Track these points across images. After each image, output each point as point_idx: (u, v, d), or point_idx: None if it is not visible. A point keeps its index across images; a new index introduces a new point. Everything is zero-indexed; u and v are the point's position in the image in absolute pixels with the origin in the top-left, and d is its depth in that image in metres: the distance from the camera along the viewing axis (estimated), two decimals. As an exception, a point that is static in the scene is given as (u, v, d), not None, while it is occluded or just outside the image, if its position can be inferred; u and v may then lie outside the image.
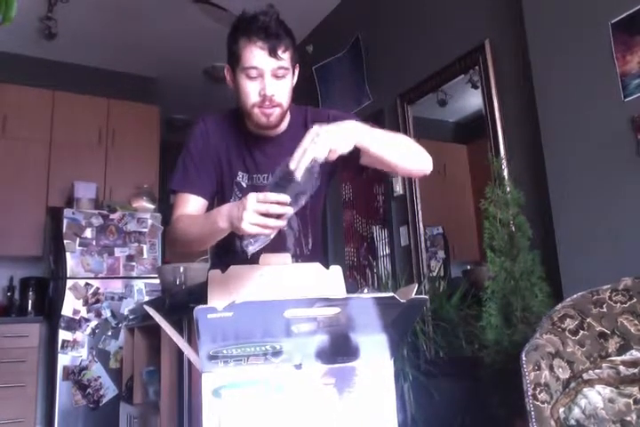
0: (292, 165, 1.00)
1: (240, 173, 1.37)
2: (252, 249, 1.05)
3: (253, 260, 1.20)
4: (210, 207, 1.34)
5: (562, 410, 1.39)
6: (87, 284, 3.52)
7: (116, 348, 3.47)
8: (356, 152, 1.17)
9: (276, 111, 1.28)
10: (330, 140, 1.03)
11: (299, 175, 1.00)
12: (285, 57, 1.25)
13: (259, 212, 0.97)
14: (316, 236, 1.46)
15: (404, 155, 1.22)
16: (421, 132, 3.02)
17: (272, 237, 1.05)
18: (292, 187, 1.00)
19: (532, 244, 2.03)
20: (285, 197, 0.98)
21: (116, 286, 3.61)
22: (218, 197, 1.40)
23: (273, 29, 1.22)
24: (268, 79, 1.23)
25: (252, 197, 0.97)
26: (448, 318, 2.42)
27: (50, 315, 3.67)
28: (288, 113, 1.36)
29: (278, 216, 0.99)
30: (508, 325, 1.93)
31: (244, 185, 1.37)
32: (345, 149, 1.06)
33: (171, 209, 1.34)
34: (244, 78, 1.25)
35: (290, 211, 0.99)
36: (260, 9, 1.25)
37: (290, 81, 1.29)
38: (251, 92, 1.25)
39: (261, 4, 1.31)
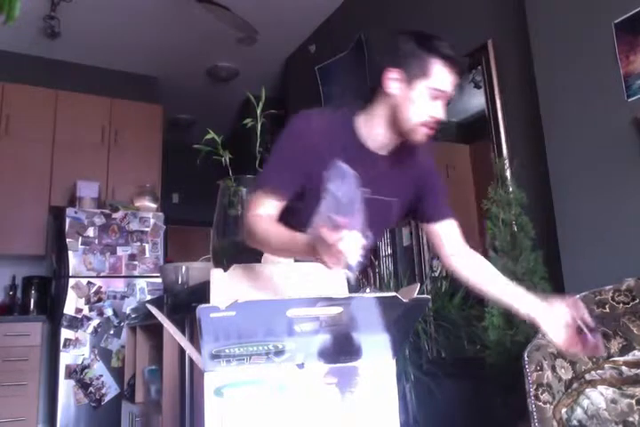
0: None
1: None
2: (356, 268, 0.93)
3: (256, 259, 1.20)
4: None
5: (564, 411, 1.39)
6: (89, 282, 3.52)
7: (118, 347, 3.47)
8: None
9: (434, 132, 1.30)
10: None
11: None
12: None
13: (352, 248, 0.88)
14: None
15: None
16: (424, 132, 3.01)
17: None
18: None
19: (534, 244, 2.02)
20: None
21: (119, 285, 3.61)
22: (297, 195, 1.30)
23: (460, 62, 1.26)
24: (444, 105, 1.27)
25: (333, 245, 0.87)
26: (450, 318, 2.42)
27: (52, 314, 3.68)
28: None
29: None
30: (510, 325, 1.93)
31: None
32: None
33: (251, 198, 1.28)
34: (424, 96, 1.25)
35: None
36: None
37: None
38: (426, 110, 1.26)
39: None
